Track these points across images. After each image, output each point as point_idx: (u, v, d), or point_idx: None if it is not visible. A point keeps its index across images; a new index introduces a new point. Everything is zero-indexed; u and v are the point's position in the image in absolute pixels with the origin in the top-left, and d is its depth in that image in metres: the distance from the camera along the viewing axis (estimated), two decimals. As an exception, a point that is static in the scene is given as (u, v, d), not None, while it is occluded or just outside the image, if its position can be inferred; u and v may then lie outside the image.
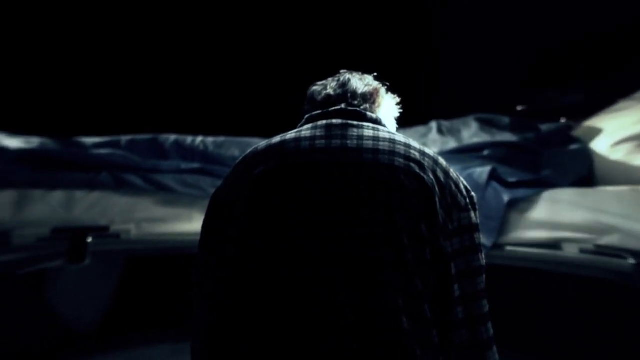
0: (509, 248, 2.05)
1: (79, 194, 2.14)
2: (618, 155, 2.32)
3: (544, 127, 2.56)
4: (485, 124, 2.55)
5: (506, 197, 2.03)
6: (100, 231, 2.12)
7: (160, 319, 2.39)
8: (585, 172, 2.35)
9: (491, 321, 0.88)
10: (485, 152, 2.30)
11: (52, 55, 3.21)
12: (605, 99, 2.67)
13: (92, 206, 2.13)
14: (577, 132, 2.61)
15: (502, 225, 2.02)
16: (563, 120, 2.71)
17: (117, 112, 3.25)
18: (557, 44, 3.09)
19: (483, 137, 2.44)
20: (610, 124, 2.50)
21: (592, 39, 2.98)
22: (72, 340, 2.32)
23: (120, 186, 2.21)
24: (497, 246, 2.02)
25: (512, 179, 2.15)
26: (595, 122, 2.62)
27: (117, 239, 2.13)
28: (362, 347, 0.78)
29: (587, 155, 2.39)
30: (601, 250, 1.90)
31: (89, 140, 2.51)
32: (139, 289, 2.50)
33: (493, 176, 2.09)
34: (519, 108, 2.98)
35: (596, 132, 2.52)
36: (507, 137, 2.45)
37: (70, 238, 2.06)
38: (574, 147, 2.43)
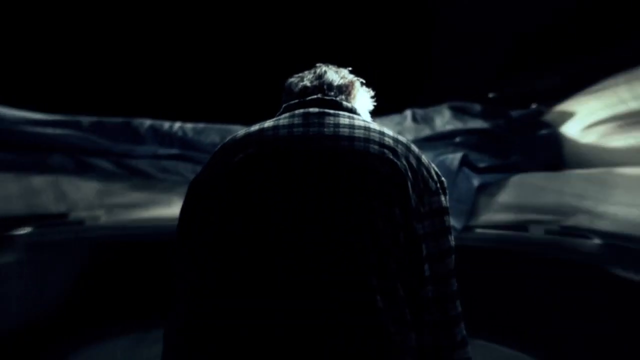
0: (478, 230, 2.20)
1: (5, 177, 1.92)
2: (589, 138, 2.28)
3: (514, 113, 2.66)
4: (458, 112, 2.66)
5: (476, 182, 2.18)
6: (55, 219, 1.96)
7: (123, 309, 2.31)
8: (555, 157, 2.42)
9: (460, 300, 0.95)
10: (457, 139, 2.44)
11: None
12: (580, 82, 2.56)
13: (39, 192, 1.97)
14: (550, 117, 2.66)
15: (473, 209, 2.15)
16: (534, 106, 2.77)
17: (75, 90, 2.80)
18: (531, 27, 3.05)
19: (455, 125, 2.56)
20: (583, 107, 2.45)
21: (566, 20, 2.93)
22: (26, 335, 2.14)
23: (82, 170, 2.10)
24: (468, 228, 2.17)
25: (482, 165, 2.30)
26: (567, 106, 2.56)
27: (80, 227, 2.01)
28: (339, 324, 0.85)
29: (556, 140, 2.46)
30: (567, 231, 2.00)
31: (26, 115, 2.23)
32: (110, 278, 2.40)
33: (464, 162, 2.25)
34: (491, 95, 2.96)
35: (568, 116, 2.48)
36: (479, 124, 2.59)
37: None
38: (543, 132, 2.51)
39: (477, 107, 2.71)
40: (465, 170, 2.22)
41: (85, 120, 2.35)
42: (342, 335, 0.85)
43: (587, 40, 2.79)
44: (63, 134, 2.19)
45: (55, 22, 2.94)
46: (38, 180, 2.01)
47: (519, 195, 2.17)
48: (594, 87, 2.61)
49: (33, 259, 2.00)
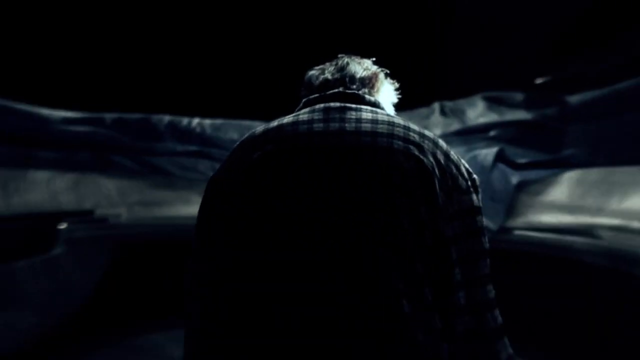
0: (517, 232, 2.06)
1: (39, 175, 1.98)
2: None
3: (573, 99, 2.31)
4: (494, 103, 2.49)
5: (514, 179, 2.06)
6: (82, 216, 2.01)
7: (154, 306, 2.35)
8: None
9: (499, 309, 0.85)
10: (492, 133, 2.30)
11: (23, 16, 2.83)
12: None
13: (68, 189, 2.03)
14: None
15: (511, 208, 2.05)
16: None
17: (97, 87, 2.82)
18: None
19: (490, 117, 2.40)
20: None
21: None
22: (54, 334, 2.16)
23: (105, 168, 2.16)
24: (505, 230, 2.06)
25: (521, 160, 2.18)
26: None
27: (104, 224, 2.06)
28: (363, 331, 0.82)
29: None
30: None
31: (57, 113, 2.28)
32: (130, 276, 2.42)
33: (500, 158, 2.13)
34: (539, 80, 2.64)
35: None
36: (519, 115, 2.40)
37: (26, 227, 1.89)
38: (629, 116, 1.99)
39: (519, 96, 2.51)
40: (501, 166, 2.10)
41: (108, 117, 2.39)
42: (366, 344, 0.81)
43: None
44: (88, 131, 2.25)
45: (76, 19, 2.99)
46: (68, 178, 2.07)
47: (579, 195, 1.91)
48: None
49: (68, 255, 2.06)
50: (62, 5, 2.98)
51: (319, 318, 0.83)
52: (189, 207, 2.15)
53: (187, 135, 2.43)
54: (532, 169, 2.19)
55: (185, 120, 2.50)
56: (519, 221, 2.10)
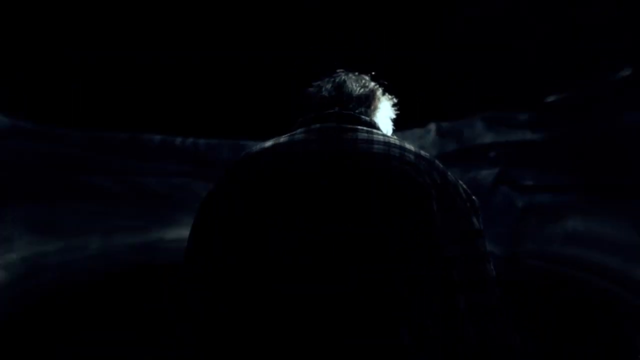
0: (528, 261, 2.04)
1: None
2: None
3: (601, 118, 2.14)
4: (494, 123, 2.50)
5: (520, 202, 2.07)
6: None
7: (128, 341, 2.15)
8: None
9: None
10: (492, 154, 2.33)
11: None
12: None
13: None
14: None
15: (520, 234, 2.05)
16: None
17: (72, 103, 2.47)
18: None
19: (490, 138, 2.42)
20: None
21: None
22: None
23: (72, 190, 2.05)
24: (514, 257, 2.04)
25: (528, 182, 2.19)
26: None
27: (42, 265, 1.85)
28: None
29: None
30: None
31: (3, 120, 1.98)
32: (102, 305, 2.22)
33: (502, 179, 2.14)
34: (550, 99, 2.56)
35: None
36: (525, 135, 2.41)
37: None
38: None
39: (523, 117, 2.50)
40: (504, 188, 2.14)
41: (76, 134, 2.31)
42: None
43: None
44: (47, 148, 2.15)
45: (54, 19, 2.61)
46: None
47: (598, 224, 1.76)
48: None
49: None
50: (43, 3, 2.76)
51: (307, 346, 0.85)
52: (180, 229, 2.16)
53: (181, 154, 2.47)
54: (544, 192, 2.18)
55: (178, 140, 2.54)
56: (530, 249, 2.09)
